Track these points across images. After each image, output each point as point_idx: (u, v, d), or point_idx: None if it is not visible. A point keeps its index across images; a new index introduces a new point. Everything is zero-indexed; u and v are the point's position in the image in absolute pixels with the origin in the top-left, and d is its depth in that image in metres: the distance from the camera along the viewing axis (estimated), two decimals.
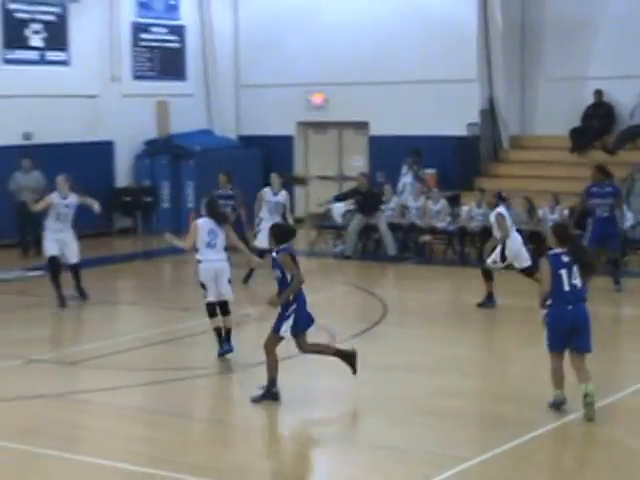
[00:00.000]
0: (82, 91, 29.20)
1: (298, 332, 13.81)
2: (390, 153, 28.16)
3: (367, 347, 17.38)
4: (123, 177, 30.67)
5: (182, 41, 32.20)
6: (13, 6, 27.79)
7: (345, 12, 30.17)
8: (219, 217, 16.55)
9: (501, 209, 19.62)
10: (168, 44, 31.86)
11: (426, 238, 25.62)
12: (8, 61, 27.71)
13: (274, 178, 23.37)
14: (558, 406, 12.84)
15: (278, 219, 21.44)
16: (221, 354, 15.95)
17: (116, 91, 30.20)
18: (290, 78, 31.02)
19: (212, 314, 16.04)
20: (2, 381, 15.38)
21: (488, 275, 19.51)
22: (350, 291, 22.27)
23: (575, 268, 12.52)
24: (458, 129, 28.98)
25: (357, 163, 27.80)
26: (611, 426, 12.50)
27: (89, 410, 14.17)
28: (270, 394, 13.59)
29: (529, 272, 19.18)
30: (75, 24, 29.13)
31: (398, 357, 16.43)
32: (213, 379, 15.63)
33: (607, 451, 11.81)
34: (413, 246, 25.80)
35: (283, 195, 22.77)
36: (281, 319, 13.67)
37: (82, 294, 20.50)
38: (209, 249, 16.18)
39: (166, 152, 30.60)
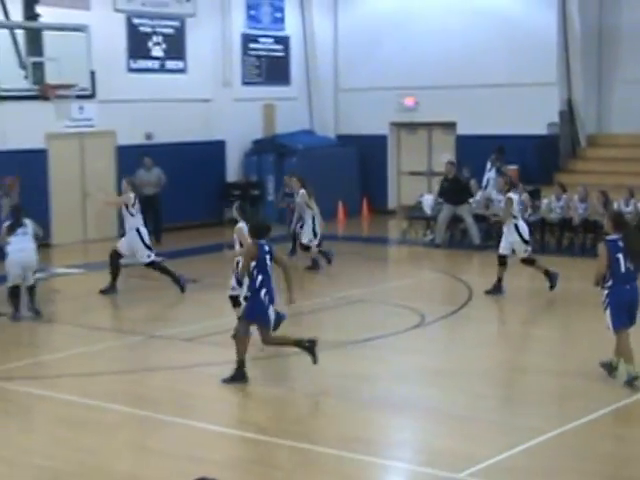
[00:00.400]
0: (197, 96, 29.37)
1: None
2: (475, 151, 27.99)
3: (454, 327, 17.35)
4: (233, 173, 30.84)
5: (287, 50, 32.28)
6: (137, 21, 28.05)
7: (435, 21, 30.05)
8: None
9: (512, 194, 19.49)
10: (274, 53, 31.95)
11: None
12: (132, 70, 27.97)
13: (286, 180, 23.98)
14: (631, 382, 12.74)
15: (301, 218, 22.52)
16: None
17: (227, 95, 30.34)
18: (384, 82, 30.98)
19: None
20: (127, 355, 15.72)
21: (502, 261, 19.43)
22: (439, 277, 22.17)
23: None
24: (539, 128, 28.85)
25: (444, 160, 27.58)
26: None
27: (203, 381, 14.26)
28: (240, 374, 13.61)
29: (529, 261, 19.37)
30: (191, 36, 29.34)
31: (481, 336, 16.36)
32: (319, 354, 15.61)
33: None
34: (496, 235, 25.60)
35: (300, 195, 22.50)
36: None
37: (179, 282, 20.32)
38: None
39: (271, 150, 30.69)
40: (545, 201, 25.11)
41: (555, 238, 24.65)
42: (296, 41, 32.46)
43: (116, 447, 11.66)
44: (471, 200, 25.39)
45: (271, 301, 13.74)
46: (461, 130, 30.27)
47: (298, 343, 13.84)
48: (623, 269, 12.77)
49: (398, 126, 32.15)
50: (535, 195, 25.85)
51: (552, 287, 19.19)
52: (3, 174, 24.07)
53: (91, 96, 21.45)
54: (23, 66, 20.05)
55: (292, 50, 32.40)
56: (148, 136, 28.24)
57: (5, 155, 24.52)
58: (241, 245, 15.25)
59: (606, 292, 12.92)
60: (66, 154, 26.34)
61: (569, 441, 11.23)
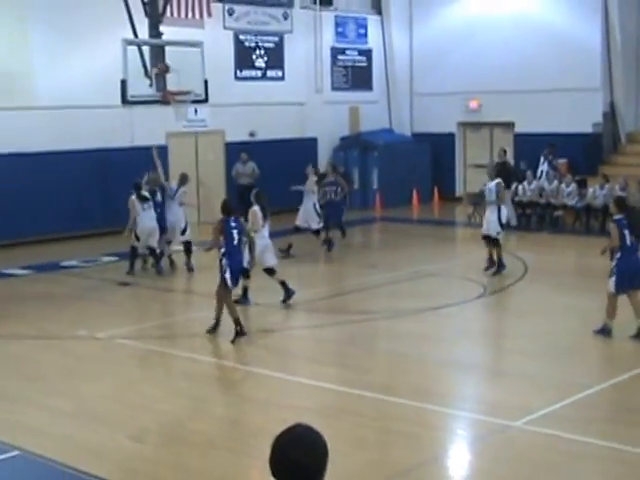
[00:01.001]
0: (293, 99, 29.52)
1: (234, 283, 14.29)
2: (531, 146, 27.81)
3: (511, 298, 17.33)
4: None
5: (369, 60, 32.29)
6: (243, 37, 28.28)
7: (495, 34, 29.82)
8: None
9: (490, 184, 19.38)
10: (358, 63, 31.98)
11: (559, 213, 25.40)
12: (238, 78, 28.21)
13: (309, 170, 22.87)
14: (608, 332, 13.57)
15: (309, 202, 21.98)
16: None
17: (319, 99, 30.45)
18: (452, 87, 30.83)
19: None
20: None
21: (495, 243, 18.84)
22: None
23: None
24: (585, 127, 28.53)
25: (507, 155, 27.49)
26: None
27: (297, 341, 14.44)
28: (240, 332, 13.86)
29: (495, 242, 18.78)
30: (288, 49, 29.49)
31: (534, 306, 16.33)
32: (392, 320, 15.69)
33: None
34: (548, 220, 25.54)
35: (307, 183, 22.33)
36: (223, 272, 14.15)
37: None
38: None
39: (356, 146, 30.72)
40: (591, 190, 25.00)
41: (599, 222, 24.41)
42: (377, 53, 32.46)
43: (225, 396, 11.91)
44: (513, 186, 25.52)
45: (234, 267, 14.08)
46: (518, 129, 30.02)
47: (236, 322, 14.01)
48: (629, 242, 13.58)
49: (464, 125, 31.98)
50: (582, 184, 25.69)
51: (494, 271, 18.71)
52: (131, 166, 24.45)
53: (204, 101, 21.62)
54: (148, 76, 20.29)
55: (374, 60, 32.40)
56: (251, 134, 28.48)
57: (134, 151, 24.93)
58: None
59: (615, 262, 13.64)
60: (183, 149, 26.67)
61: (612, 395, 11.26)
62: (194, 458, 9.53)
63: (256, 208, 15.98)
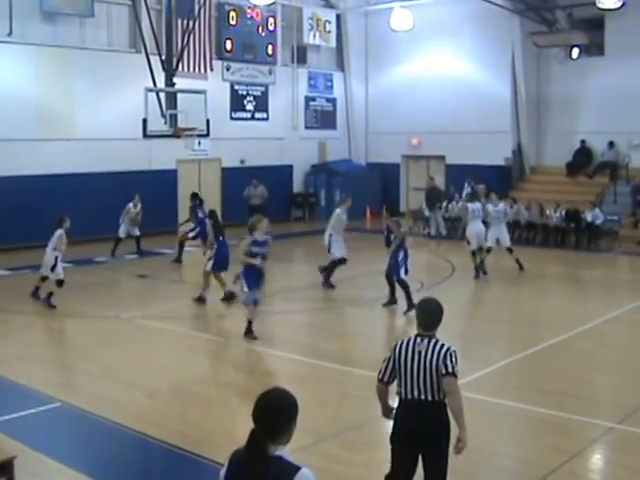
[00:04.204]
0: (275, 135, 29.55)
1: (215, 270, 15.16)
2: (457, 175, 28.00)
3: (443, 291, 17.38)
4: (298, 186, 31.01)
5: (334, 106, 32.34)
6: (237, 87, 28.30)
7: (431, 88, 29.99)
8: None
9: (469, 204, 19.20)
10: (326, 108, 32.01)
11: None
12: (233, 118, 28.21)
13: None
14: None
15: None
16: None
17: (295, 135, 30.49)
18: (398, 128, 30.99)
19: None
20: (232, 306, 15.55)
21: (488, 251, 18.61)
22: (432, 258, 22.25)
23: None
24: (499, 161, 28.83)
25: (436, 181, 27.63)
26: None
27: (278, 323, 14.45)
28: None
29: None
30: (272, 96, 29.52)
31: (460, 297, 16.36)
32: (352, 307, 15.72)
33: None
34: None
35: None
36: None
37: None
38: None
39: (324, 172, 30.77)
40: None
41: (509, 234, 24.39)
42: (340, 100, 32.50)
43: (221, 365, 11.93)
44: (440, 205, 25.86)
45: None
46: (449, 161, 30.21)
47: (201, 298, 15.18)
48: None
49: (407, 157, 32.10)
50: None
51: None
52: (148, 186, 24.43)
53: (206, 135, 21.56)
54: (163, 116, 20.21)
55: (338, 106, 32.43)
56: (242, 161, 28.46)
57: (151, 173, 24.91)
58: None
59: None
60: (189, 173, 26.65)
61: (515, 367, 11.37)
62: (195, 412, 9.56)
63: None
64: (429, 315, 5.99)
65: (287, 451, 3.97)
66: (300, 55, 30.58)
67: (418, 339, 5.95)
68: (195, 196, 20.73)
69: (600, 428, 8.93)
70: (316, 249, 23.64)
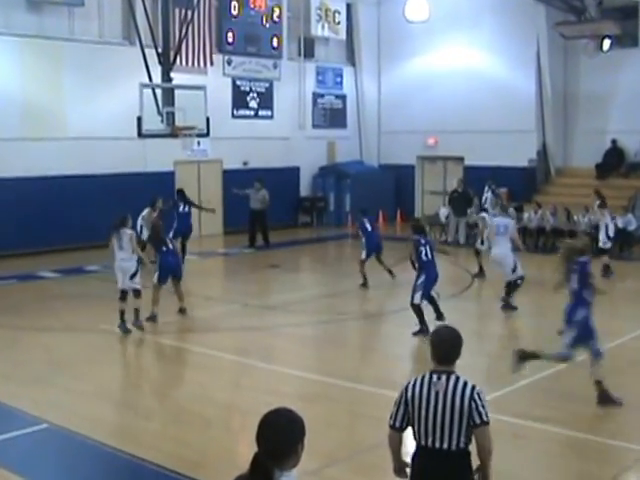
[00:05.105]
0: (280, 135, 29.53)
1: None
2: (477, 177, 27.86)
3: (460, 303, 17.32)
4: (305, 189, 30.99)
5: (344, 103, 32.35)
6: (239, 82, 28.32)
7: (449, 83, 29.94)
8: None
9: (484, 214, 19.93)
10: (335, 106, 32.02)
11: None
12: (235, 116, 28.22)
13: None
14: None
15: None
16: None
17: (302, 135, 30.50)
18: (413, 127, 30.96)
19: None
20: (229, 319, 15.77)
21: (478, 253, 19.65)
22: (450, 265, 22.16)
23: None
24: (522, 162, 28.76)
25: (455, 184, 27.54)
26: None
27: (281, 337, 14.42)
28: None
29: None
30: (277, 93, 29.52)
31: (480, 309, 16.31)
32: (362, 321, 15.73)
33: None
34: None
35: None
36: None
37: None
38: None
39: (332, 174, 30.76)
40: (526, 214, 25.11)
41: (533, 241, 24.57)
42: (350, 97, 32.52)
43: (221, 383, 11.90)
44: (469, 211, 25.28)
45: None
46: (468, 162, 30.14)
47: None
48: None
49: (423, 159, 32.09)
50: (519, 209, 25.76)
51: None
52: (144, 189, 24.45)
53: (206, 135, 21.62)
54: (160, 114, 20.24)
55: (348, 103, 32.44)
56: (245, 163, 28.48)
57: (146, 175, 24.93)
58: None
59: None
60: (188, 175, 26.65)
61: (541, 385, 11.31)
62: (193, 434, 9.53)
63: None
64: (445, 347, 5.56)
65: (294, 476, 3.94)
66: (307, 48, 30.60)
67: (434, 376, 5.51)
68: (181, 192, 22.07)
69: (635, 453, 8.86)
70: (325, 257, 23.73)
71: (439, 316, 14.28)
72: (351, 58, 32.47)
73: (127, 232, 14.31)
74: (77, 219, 23.24)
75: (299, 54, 30.33)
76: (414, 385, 5.57)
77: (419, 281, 13.99)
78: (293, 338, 14.37)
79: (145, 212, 20.28)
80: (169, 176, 26.04)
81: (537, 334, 14.62)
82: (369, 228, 18.79)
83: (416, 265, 14.12)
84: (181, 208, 21.92)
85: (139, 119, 19.68)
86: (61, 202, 23.11)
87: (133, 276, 14.29)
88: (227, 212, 26.93)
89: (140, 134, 20.07)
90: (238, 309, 16.31)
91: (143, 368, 12.37)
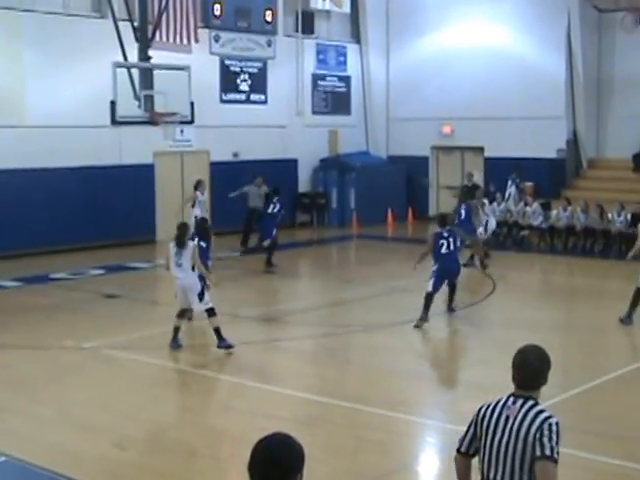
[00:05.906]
0: (275, 122, 29.53)
1: None
2: (499, 170, 27.89)
3: (478, 313, 17.28)
4: (304, 185, 30.96)
5: (348, 86, 32.36)
6: (228, 62, 28.31)
7: (468, 64, 29.98)
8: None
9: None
10: (338, 89, 32.04)
11: (524, 233, 25.44)
12: (223, 101, 28.22)
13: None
14: None
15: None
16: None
17: (300, 123, 30.50)
18: (426, 113, 30.95)
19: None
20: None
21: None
22: (471, 272, 22.14)
23: None
24: (550, 153, 28.82)
25: (475, 177, 27.49)
26: None
27: (276, 353, 14.37)
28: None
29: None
30: (271, 74, 29.52)
31: (501, 319, 16.26)
32: (367, 333, 15.64)
33: None
34: (514, 239, 25.60)
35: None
36: None
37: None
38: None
39: (335, 167, 30.76)
40: (554, 212, 25.17)
41: (562, 242, 24.63)
42: (355, 79, 32.55)
43: (207, 406, 11.83)
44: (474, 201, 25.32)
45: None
46: (488, 153, 30.16)
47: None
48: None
49: (437, 149, 32.10)
50: (546, 207, 25.81)
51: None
52: (119, 184, 24.39)
53: (190, 122, 21.57)
54: (137, 98, 20.20)
55: (352, 86, 32.48)
56: (235, 155, 28.45)
57: (121, 169, 24.86)
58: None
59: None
60: (169, 168, 26.62)
61: (571, 405, 11.22)
62: (176, 465, 9.44)
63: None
64: (529, 372, 5.33)
65: None
66: (306, 23, 30.61)
67: (510, 400, 5.32)
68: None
69: None
70: (326, 261, 23.65)
71: (450, 308, 16.36)
72: (356, 34, 32.47)
73: (191, 244, 13.71)
74: (40, 219, 23.11)
75: (296, 30, 30.33)
76: (488, 406, 5.46)
77: (432, 269, 15.71)
78: (290, 354, 14.30)
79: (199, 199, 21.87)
80: (148, 169, 25.99)
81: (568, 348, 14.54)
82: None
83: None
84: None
85: (112, 104, 19.62)
86: (20, 200, 22.95)
87: (201, 296, 13.77)
88: (215, 211, 26.80)
89: (114, 121, 20.03)
90: (227, 321, 16.17)
91: (116, 389, 12.25)
